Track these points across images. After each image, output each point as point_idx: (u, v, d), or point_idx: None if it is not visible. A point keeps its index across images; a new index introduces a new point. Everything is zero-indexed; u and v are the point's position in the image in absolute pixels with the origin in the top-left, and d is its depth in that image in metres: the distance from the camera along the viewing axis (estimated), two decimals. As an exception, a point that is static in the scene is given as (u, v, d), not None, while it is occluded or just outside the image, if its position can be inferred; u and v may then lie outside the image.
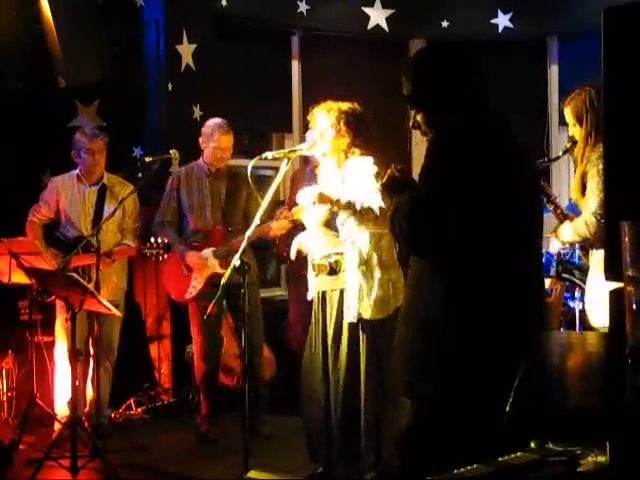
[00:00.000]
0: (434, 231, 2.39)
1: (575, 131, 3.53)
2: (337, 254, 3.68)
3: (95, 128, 4.98)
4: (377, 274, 3.62)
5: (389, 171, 2.61)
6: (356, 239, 3.63)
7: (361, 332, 3.65)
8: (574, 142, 3.96)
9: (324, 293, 3.74)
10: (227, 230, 4.69)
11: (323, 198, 3.60)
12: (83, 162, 4.82)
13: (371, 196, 3.51)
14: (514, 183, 2.46)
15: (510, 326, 2.38)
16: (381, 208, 3.47)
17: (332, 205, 3.61)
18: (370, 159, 3.65)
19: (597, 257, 3.40)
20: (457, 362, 2.38)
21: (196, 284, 4.69)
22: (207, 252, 4.66)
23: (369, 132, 3.73)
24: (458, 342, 2.38)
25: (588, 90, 3.43)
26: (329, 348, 3.70)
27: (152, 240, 4.67)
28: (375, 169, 3.57)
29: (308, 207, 3.75)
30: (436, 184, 2.38)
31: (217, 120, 4.79)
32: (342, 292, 3.67)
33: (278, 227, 4.42)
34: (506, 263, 2.43)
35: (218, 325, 4.85)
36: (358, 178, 3.63)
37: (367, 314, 3.61)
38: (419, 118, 2.58)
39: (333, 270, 3.68)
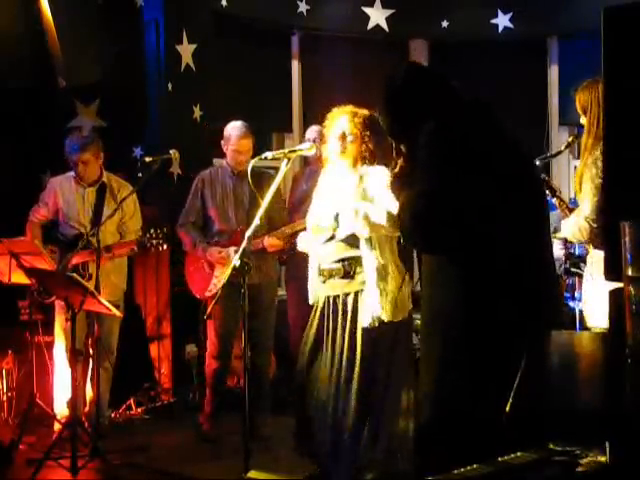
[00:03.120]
0: (435, 227, 2.39)
1: (583, 121, 3.55)
2: (348, 258, 3.67)
3: (86, 137, 4.88)
4: (397, 276, 3.64)
5: (400, 161, 2.62)
6: (374, 243, 3.62)
7: (375, 334, 3.64)
8: (575, 137, 3.99)
9: (335, 298, 3.73)
10: None
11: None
12: (75, 169, 4.79)
13: (388, 205, 3.52)
14: (510, 171, 2.46)
15: (522, 320, 2.38)
16: (392, 217, 3.46)
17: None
18: (385, 169, 3.66)
19: (594, 257, 3.40)
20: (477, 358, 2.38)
21: (217, 282, 4.67)
22: (229, 251, 4.66)
23: (386, 143, 3.77)
24: (475, 340, 2.38)
25: (597, 83, 3.43)
26: (345, 351, 3.67)
27: (152, 230, 4.65)
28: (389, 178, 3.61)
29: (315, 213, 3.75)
30: (432, 178, 2.39)
31: (236, 123, 4.75)
32: (356, 295, 3.66)
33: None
34: (514, 255, 2.42)
35: (236, 325, 4.79)
36: (377, 188, 3.63)
37: (388, 316, 3.61)
38: (403, 148, 2.61)
39: (347, 273, 3.67)
